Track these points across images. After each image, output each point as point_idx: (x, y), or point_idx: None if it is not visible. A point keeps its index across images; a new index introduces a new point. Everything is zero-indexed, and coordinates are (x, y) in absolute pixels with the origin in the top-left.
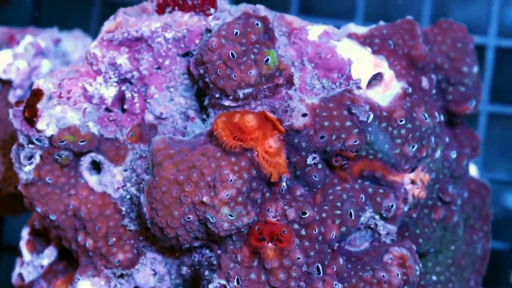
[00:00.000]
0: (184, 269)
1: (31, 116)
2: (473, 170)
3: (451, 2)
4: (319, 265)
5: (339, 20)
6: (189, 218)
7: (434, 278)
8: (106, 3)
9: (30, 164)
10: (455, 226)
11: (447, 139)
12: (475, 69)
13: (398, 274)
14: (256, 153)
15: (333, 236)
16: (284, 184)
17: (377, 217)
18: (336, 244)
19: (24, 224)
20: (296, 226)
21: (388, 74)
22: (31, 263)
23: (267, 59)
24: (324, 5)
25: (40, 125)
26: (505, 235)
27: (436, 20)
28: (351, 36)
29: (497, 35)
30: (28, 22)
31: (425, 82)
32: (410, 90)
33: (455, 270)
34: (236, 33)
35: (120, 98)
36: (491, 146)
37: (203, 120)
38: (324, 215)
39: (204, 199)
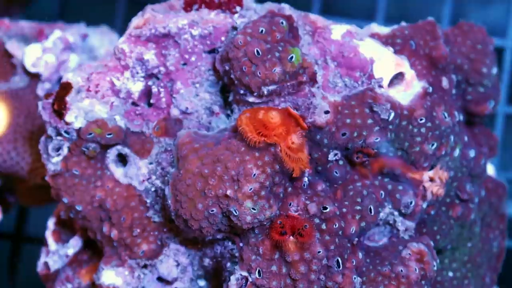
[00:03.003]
0: (207, 261)
1: (60, 109)
2: (490, 170)
3: (470, 4)
4: (339, 259)
5: (361, 20)
6: (212, 210)
7: (451, 274)
8: (131, 0)
9: (58, 155)
10: (472, 224)
11: (466, 138)
12: (494, 70)
13: (415, 269)
14: (279, 148)
15: (353, 231)
16: (306, 179)
17: (396, 213)
18: (356, 239)
19: (48, 216)
20: (317, 220)
21: (410, 73)
22: (57, 252)
23: (291, 57)
24: (346, 6)
25: (69, 117)
26: None
27: (456, 22)
28: (373, 36)
29: None
30: (56, 17)
31: (445, 82)
32: (430, 89)
33: (471, 266)
34: (262, 31)
35: (147, 93)
36: (508, 147)
37: (228, 116)
38: (344, 210)
39: (228, 192)
